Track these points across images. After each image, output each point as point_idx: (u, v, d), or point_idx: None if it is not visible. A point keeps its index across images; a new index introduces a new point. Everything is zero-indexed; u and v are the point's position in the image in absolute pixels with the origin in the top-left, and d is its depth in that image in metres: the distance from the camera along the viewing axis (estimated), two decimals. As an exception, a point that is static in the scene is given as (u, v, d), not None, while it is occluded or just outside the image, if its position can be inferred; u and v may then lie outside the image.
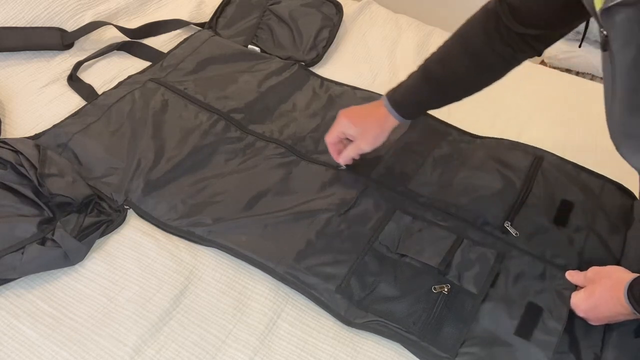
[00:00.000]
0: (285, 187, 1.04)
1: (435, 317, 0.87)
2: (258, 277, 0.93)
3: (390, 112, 1.00)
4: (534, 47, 0.91)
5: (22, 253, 0.87)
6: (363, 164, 1.08)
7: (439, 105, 1.04)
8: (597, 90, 1.37)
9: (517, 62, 0.94)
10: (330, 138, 1.04)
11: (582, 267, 0.92)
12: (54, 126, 1.10)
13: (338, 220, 0.99)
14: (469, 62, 0.93)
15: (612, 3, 0.64)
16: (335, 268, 0.92)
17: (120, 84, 1.20)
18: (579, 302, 0.86)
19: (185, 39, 1.34)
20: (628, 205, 1.05)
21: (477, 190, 1.04)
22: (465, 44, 0.93)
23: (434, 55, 0.97)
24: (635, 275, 0.80)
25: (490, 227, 0.99)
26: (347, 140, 1.05)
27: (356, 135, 1.01)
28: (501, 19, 0.88)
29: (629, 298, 0.77)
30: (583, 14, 0.81)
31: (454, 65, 0.94)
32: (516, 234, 0.98)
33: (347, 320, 0.88)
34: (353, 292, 0.90)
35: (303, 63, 1.33)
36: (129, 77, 1.22)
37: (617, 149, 0.78)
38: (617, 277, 0.81)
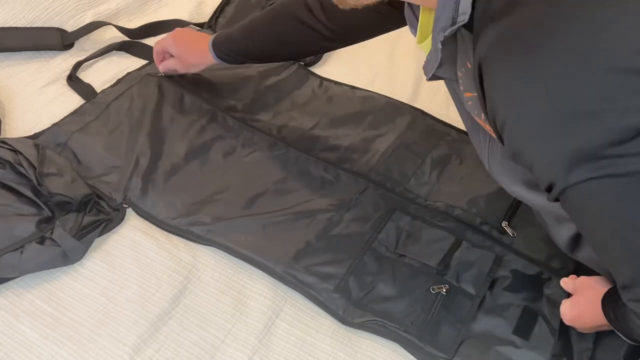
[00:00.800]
0: (284, 186, 1.05)
1: (433, 317, 0.87)
2: (257, 277, 0.93)
3: (210, 51, 1.08)
4: (341, 41, 1.02)
5: (21, 252, 0.87)
6: (361, 165, 1.09)
7: (253, 62, 1.15)
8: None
9: (327, 50, 1.06)
10: (156, 47, 1.16)
11: (578, 269, 0.92)
12: (53, 125, 1.10)
13: (337, 220, 0.99)
14: (277, 44, 1.04)
15: (429, 77, 0.71)
16: (333, 268, 0.92)
17: (118, 81, 1.21)
18: (565, 312, 0.86)
19: (185, 39, 1.34)
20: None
21: (476, 190, 1.04)
22: (277, 24, 1.02)
23: (257, 17, 1.06)
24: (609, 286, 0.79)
25: (488, 227, 0.99)
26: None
27: (176, 55, 1.13)
28: (313, 10, 0.96)
29: (603, 311, 0.77)
30: (392, 26, 0.93)
31: (265, 38, 1.04)
32: (513, 234, 0.98)
33: (345, 320, 0.88)
34: (351, 292, 0.90)
35: (302, 63, 1.33)
36: (127, 74, 1.23)
37: (491, 174, 0.85)
38: (599, 288, 0.81)
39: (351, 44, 1.05)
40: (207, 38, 1.09)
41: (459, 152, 1.13)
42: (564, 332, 0.86)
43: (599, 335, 0.85)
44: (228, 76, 1.25)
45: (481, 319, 0.88)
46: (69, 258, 0.90)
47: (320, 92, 1.26)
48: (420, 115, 1.21)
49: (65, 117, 1.12)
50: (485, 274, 0.92)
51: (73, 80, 1.21)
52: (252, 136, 1.13)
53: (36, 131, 1.10)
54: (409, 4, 0.79)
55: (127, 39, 1.33)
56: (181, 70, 1.15)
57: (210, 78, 1.24)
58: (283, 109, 1.21)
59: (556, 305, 0.88)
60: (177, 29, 1.16)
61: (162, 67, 1.17)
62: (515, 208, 1.02)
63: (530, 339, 0.85)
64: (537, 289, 0.91)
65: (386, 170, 1.08)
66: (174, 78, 1.21)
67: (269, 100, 1.22)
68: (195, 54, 1.12)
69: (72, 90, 1.20)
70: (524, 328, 0.86)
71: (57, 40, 1.26)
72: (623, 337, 0.77)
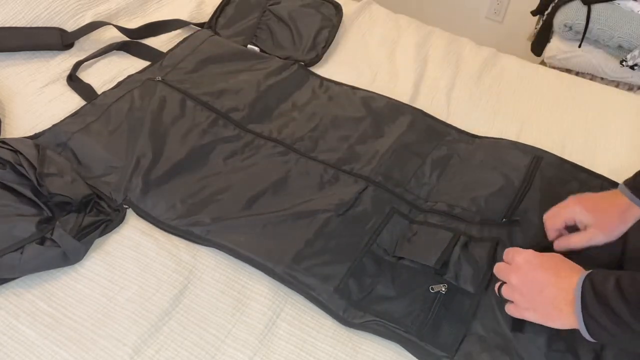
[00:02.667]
0: (284, 187, 1.05)
1: (432, 316, 0.87)
2: (257, 277, 0.93)
3: (633, 202, 0.90)
4: None
5: (21, 253, 0.87)
6: (362, 164, 1.09)
7: None
8: (596, 90, 1.38)
9: None
10: (557, 223, 0.95)
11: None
12: (54, 126, 1.10)
13: (337, 220, 0.99)
14: None
15: None
16: (333, 268, 0.92)
17: (119, 83, 1.21)
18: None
19: (185, 39, 1.34)
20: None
21: (476, 190, 1.04)
22: None
23: None
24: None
25: (488, 226, 0.99)
26: (564, 230, 0.96)
27: (590, 223, 0.91)
28: None
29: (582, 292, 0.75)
30: None
31: None
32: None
33: (345, 321, 0.88)
34: (351, 293, 0.90)
35: (302, 63, 1.33)
36: (129, 76, 1.23)
37: None
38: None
39: None
40: (615, 193, 0.92)
41: (459, 152, 1.13)
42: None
43: None
44: (229, 79, 1.25)
45: (481, 315, 0.87)
46: (69, 258, 0.90)
47: (321, 92, 1.26)
48: (420, 115, 1.21)
49: (66, 118, 1.12)
50: (483, 270, 0.92)
51: (73, 80, 1.21)
52: (253, 139, 1.13)
53: (36, 131, 1.10)
54: None
55: (127, 39, 1.33)
56: (602, 239, 0.91)
57: (212, 81, 1.24)
58: (284, 110, 1.21)
59: None
60: (571, 197, 0.95)
61: (566, 245, 0.93)
62: (515, 207, 1.02)
63: (531, 331, 0.85)
64: None
65: (386, 171, 1.08)
66: (174, 82, 1.21)
67: (269, 101, 1.22)
68: (615, 214, 0.91)
69: (72, 90, 1.20)
70: (523, 324, 0.86)
71: (57, 40, 1.27)
72: (586, 334, 0.75)
